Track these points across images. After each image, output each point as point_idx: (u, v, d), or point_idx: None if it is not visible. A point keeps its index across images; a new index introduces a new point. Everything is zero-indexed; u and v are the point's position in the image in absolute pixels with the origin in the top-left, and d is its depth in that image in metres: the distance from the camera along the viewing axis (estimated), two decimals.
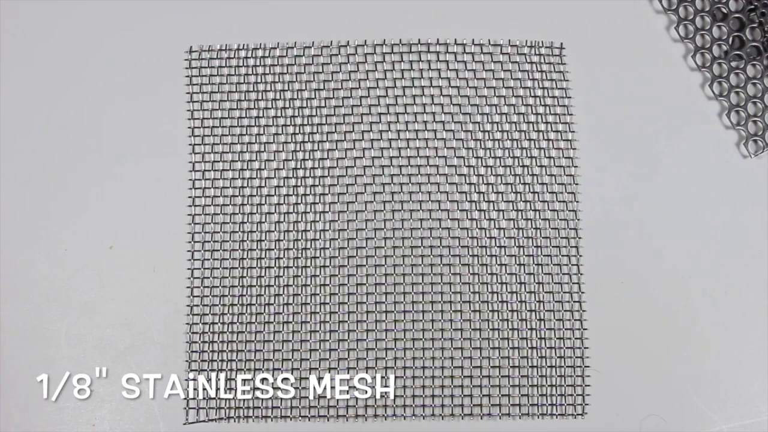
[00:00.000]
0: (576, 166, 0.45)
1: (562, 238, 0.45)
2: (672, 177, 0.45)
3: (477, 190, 0.45)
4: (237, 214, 0.45)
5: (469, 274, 0.45)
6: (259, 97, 0.46)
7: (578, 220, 0.45)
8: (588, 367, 0.44)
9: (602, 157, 0.46)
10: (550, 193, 0.45)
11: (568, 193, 0.45)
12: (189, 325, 0.44)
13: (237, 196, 0.45)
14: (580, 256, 0.45)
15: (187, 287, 0.45)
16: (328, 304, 0.45)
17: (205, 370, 0.44)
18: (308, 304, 0.44)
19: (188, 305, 0.44)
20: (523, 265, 0.44)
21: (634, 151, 0.46)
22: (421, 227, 0.45)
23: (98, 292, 0.45)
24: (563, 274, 0.44)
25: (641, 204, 0.45)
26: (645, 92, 0.46)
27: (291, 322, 0.44)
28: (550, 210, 0.45)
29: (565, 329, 0.44)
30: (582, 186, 0.45)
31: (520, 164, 0.45)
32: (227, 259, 0.45)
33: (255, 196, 0.45)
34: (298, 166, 0.46)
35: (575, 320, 0.44)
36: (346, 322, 0.44)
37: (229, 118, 0.46)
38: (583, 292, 0.44)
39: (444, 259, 0.45)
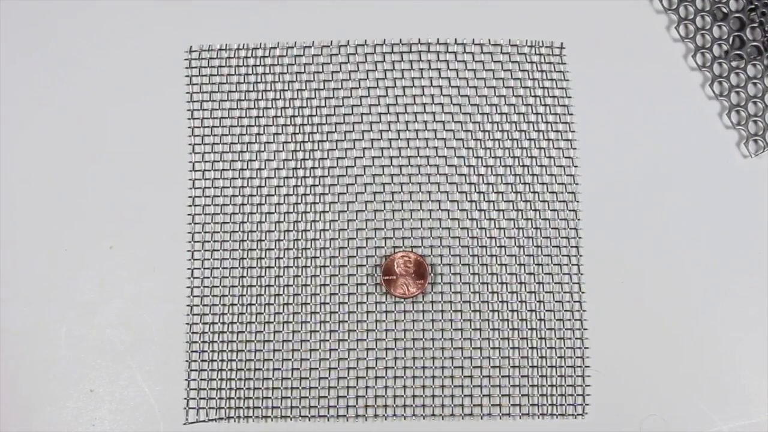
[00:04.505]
0: (576, 166, 0.45)
1: (562, 238, 0.45)
2: (672, 177, 0.45)
3: (477, 190, 0.45)
4: (237, 213, 0.45)
5: (469, 274, 0.44)
6: (259, 97, 0.46)
7: (578, 220, 0.45)
8: (588, 367, 0.44)
9: (602, 157, 0.45)
10: (550, 192, 0.45)
11: (569, 192, 0.45)
12: (189, 325, 0.44)
13: (237, 195, 0.45)
14: (580, 256, 0.44)
15: (187, 287, 0.44)
16: (328, 304, 0.44)
17: (206, 369, 0.44)
18: (308, 303, 0.44)
19: (188, 305, 0.44)
20: (523, 265, 0.44)
21: (634, 151, 0.46)
22: (421, 227, 0.45)
23: (98, 292, 0.45)
24: (563, 274, 0.44)
25: (641, 204, 0.45)
26: (645, 92, 0.46)
27: (291, 322, 0.44)
28: (551, 210, 0.45)
29: (565, 329, 0.44)
30: (582, 186, 0.45)
31: (521, 164, 0.45)
32: (227, 259, 0.45)
33: (255, 195, 0.45)
34: (298, 166, 0.46)
35: (575, 320, 0.44)
36: (346, 322, 0.44)
37: (229, 118, 0.46)
38: (583, 292, 0.44)
39: (444, 258, 0.45)
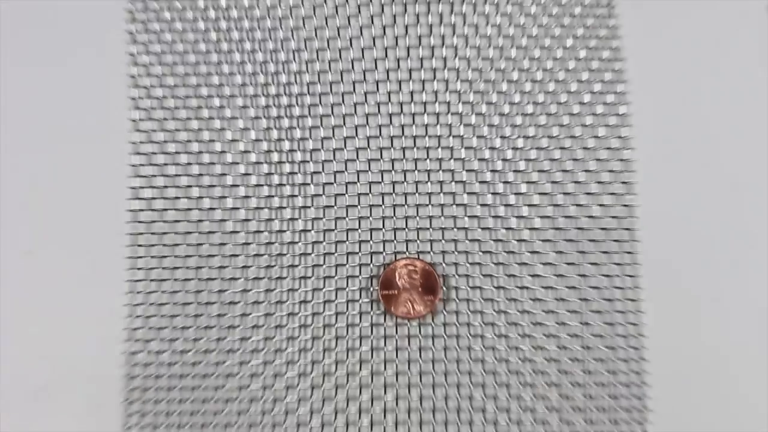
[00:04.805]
0: (632, 148, 0.35)
1: (613, 241, 0.35)
2: (752, 161, 0.35)
3: (502, 179, 0.35)
4: (193, 209, 0.35)
5: (492, 288, 0.34)
6: (222, 59, 0.36)
7: (635, 217, 0.35)
8: (649, 410, 0.33)
9: (665, 129, 0.35)
10: (598, 183, 0.35)
11: (621, 183, 0.35)
12: (129, 355, 0.34)
13: (193, 186, 0.35)
14: (637, 264, 0.35)
15: (126, 305, 0.34)
16: (309, 326, 0.34)
17: (150, 411, 0.34)
18: (284, 326, 0.34)
19: (128, 328, 0.34)
20: (564, 276, 0.35)
21: (705, 131, 0.36)
22: (431, 226, 0.35)
23: (9, 312, 0.34)
24: (616, 288, 0.34)
25: (715, 195, 0.35)
26: (720, 49, 0.36)
27: (262, 351, 0.34)
28: (599, 205, 0.35)
29: (619, 360, 0.34)
30: (639, 173, 0.35)
31: (559, 146, 0.35)
32: (179, 267, 0.35)
33: (216, 186, 0.35)
34: (272, 148, 0.35)
35: (631, 348, 0.34)
36: (333, 350, 0.34)
37: (183, 87, 0.36)
38: (642, 312, 0.34)
39: (460, 268, 0.35)
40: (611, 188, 0.35)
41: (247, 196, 0.35)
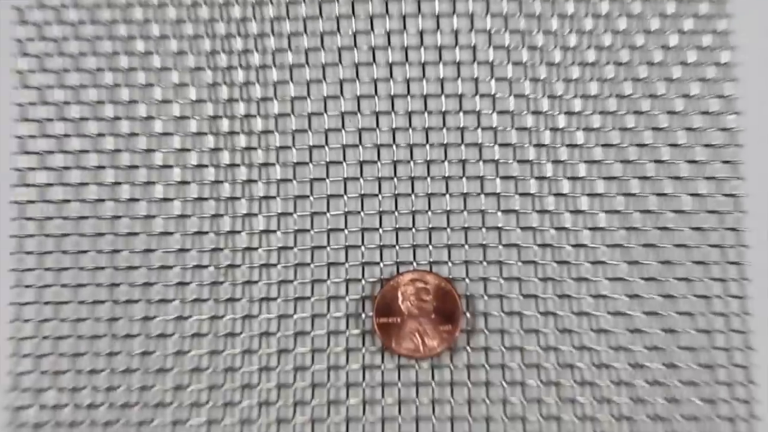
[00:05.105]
0: (737, 107, 0.25)
1: (711, 246, 0.25)
2: None
3: (551, 157, 0.25)
4: (106, 200, 0.25)
5: (536, 314, 0.24)
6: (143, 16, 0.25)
7: (741, 213, 0.25)
8: None
9: None
10: (688, 162, 0.25)
11: (724, 163, 0.25)
12: (13, 411, 0.24)
13: (106, 167, 0.25)
14: (745, 279, 0.25)
15: (10, 338, 0.24)
16: (274, 370, 0.24)
17: None
18: (238, 369, 0.24)
19: (11, 372, 0.24)
20: (639, 297, 0.25)
21: None
22: (448, 226, 0.25)
23: None
24: (714, 314, 0.25)
25: None
26: None
27: (203, 405, 0.24)
28: (687, 194, 0.24)
29: (718, 418, 0.24)
30: (747, 151, 0.25)
31: (629, 108, 0.25)
32: (87, 285, 0.25)
33: (140, 167, 0.25)
34: (221, 112, 0.25)
35: (736, 401, 0.24)
36: (308, 404, 0.24)
37: (91, 24, 0.25)
38: (751, 349, 0.24)
39: (490, 286, 0.25)
40: (709, 170, 0.25)
41: (183, 182, 0.25)
